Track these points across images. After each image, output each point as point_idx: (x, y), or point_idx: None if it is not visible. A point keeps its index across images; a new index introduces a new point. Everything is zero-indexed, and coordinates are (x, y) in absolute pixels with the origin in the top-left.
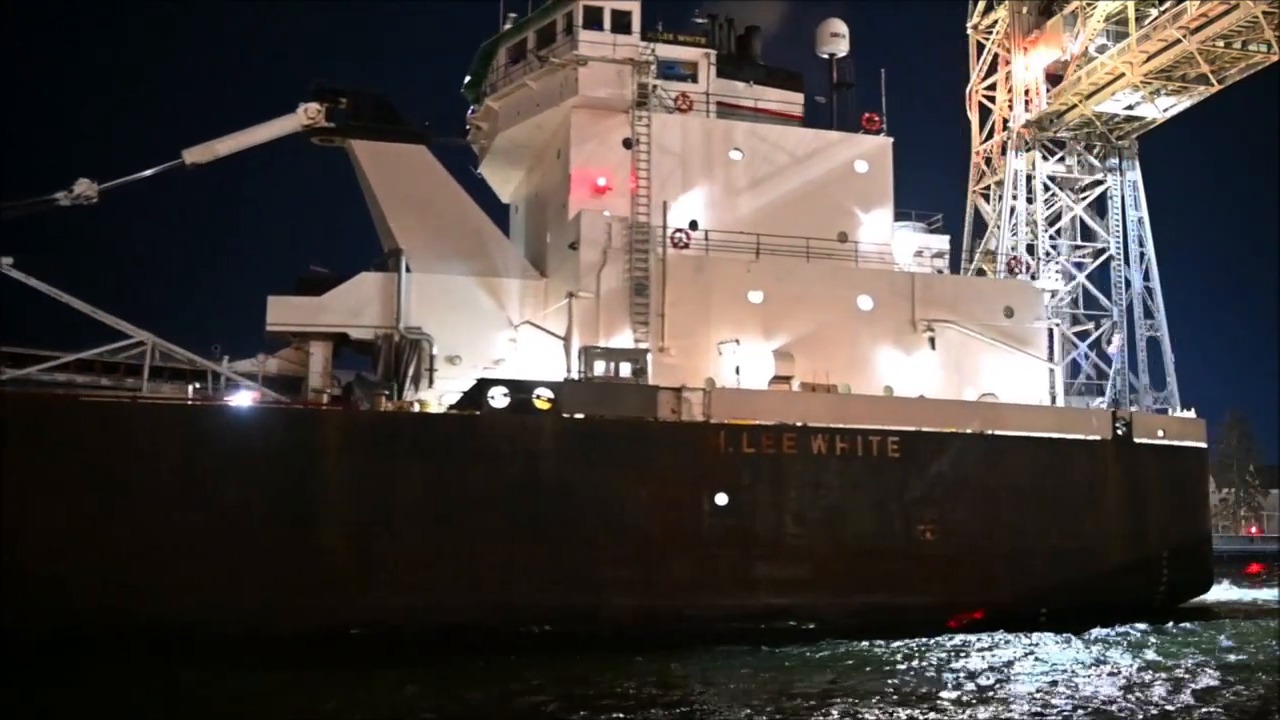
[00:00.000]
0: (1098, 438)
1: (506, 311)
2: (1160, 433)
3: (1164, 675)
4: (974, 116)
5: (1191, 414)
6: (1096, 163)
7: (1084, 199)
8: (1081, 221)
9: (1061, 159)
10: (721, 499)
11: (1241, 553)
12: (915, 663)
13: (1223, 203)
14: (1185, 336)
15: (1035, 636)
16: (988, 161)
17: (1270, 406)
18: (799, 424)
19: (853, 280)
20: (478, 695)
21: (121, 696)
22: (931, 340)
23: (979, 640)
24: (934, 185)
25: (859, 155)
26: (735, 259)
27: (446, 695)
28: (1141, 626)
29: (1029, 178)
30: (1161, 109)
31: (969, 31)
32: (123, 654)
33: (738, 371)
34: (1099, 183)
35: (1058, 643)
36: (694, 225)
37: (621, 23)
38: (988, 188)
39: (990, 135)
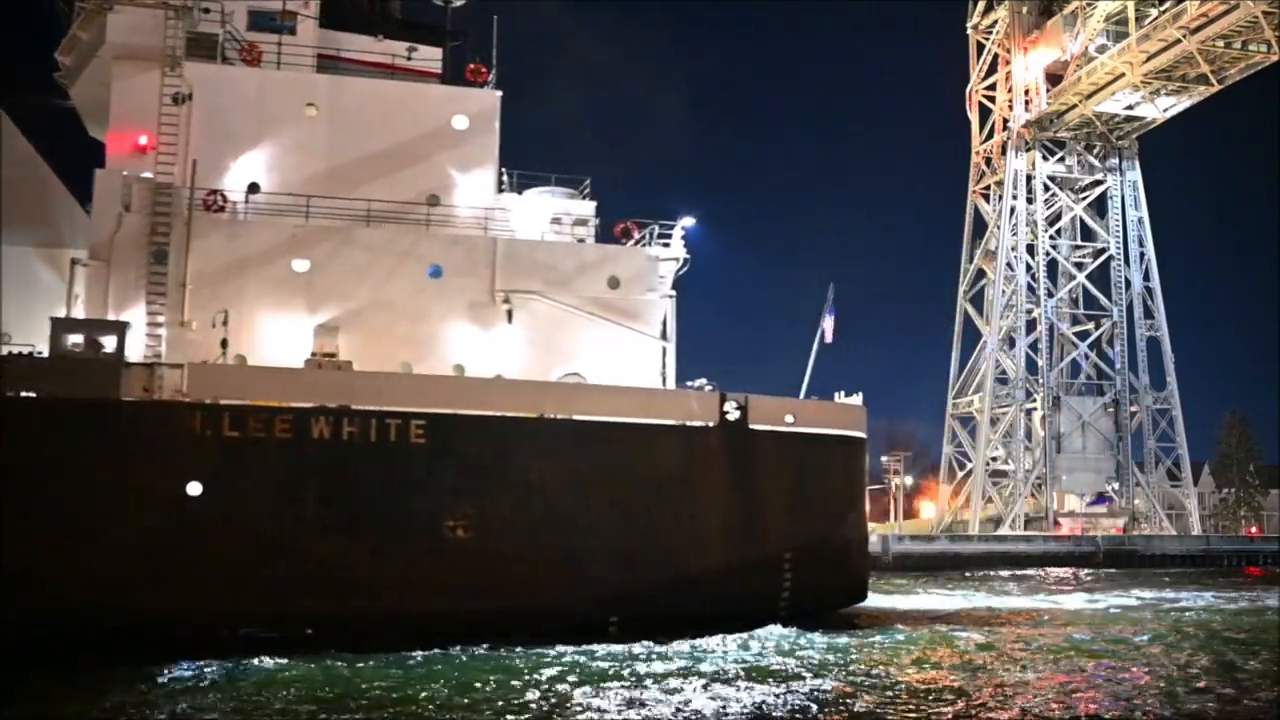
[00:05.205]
0: (699, 423)
1: (73, 285)
2: (789, 419)
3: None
4: (974, 116)
5: (857, 399)
6: (1096, 163)
7: (1084, 199)
8: (1081, 221)
9: (1061, 159)
10: (194, 489)
11: (1241, 553)
12: (399, 682)
13: (1222, 203)
14: (1185, 337)
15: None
16: (988, 161)
17: (1270, 406)
18: (298, 405)
19: (420, 247)
20: None
21: None
22: (509, 313)
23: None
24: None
25: (458, 111)
26: (276, 224)
27: None
28: (737, 639)
29: (1029, 178)
30: (1161, 109)
31: (969, 31)
32: None
33: (224, 345)
34: (1099, 183)
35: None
36: (255, 188)
37: None
38: (988, 188)
39: (990, 135)
